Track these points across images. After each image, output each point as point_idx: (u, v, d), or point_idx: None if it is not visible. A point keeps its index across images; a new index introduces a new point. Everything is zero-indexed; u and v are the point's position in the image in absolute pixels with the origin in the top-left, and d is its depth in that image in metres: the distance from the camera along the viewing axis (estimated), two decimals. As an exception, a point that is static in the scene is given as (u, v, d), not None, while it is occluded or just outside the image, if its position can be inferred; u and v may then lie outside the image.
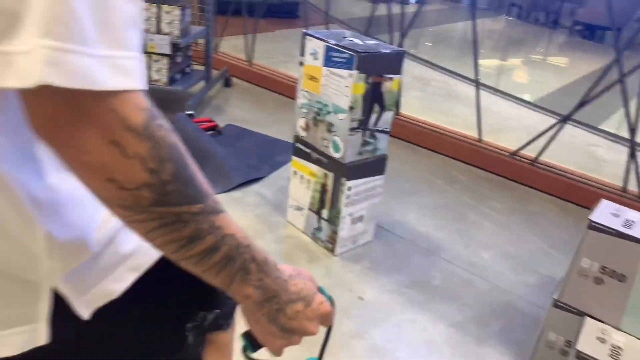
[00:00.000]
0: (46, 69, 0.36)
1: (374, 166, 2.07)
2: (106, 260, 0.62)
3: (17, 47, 0.37)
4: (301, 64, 2.03)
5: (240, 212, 2.33)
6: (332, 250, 2.12)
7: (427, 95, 4.36)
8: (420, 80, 4.77)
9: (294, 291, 0.62)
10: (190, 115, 3.07)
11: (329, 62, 1.90)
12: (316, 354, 0.75)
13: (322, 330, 0.69)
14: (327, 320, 0.68)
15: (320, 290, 0.68)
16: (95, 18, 0.38)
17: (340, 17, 5.91)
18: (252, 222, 2.28)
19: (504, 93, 4.44)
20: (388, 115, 2.01)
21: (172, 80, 3.14)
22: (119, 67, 0.41)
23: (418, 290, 1.99)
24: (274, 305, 0.60)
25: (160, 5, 2.92)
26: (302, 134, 2.12)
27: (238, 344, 0.71)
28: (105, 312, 0.62)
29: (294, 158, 2.20)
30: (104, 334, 0.64)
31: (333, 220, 2.08)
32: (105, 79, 0.39)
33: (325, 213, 2.11)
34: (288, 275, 0.62)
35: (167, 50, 2.99)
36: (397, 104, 3.41)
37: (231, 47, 4.40)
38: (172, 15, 2.94)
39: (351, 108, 1.87)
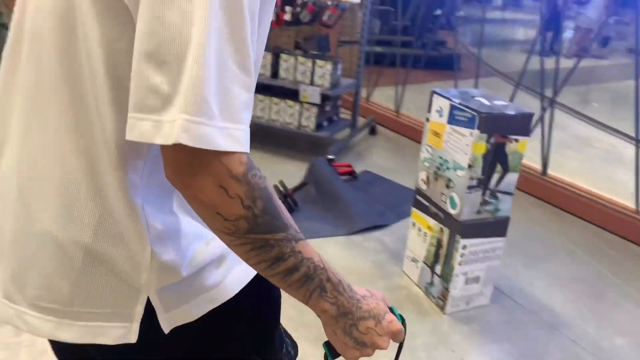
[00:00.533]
0: (181, 133, 0.53)
1: (493, 227, 2.01)
2: (191, 287, 0.75)
3: (166, 118, 0.54)
4: (427, 119, 2.09)
5: (357, 256, 2.43)
6: (442, 308, 2.09)
7: (585, 157, 4.03)
8: (580, 139, 4.43)
9: (366, 309, 0.70)
10: (331, 160, 3.29)
11: (452, 120, 1.94)
12: None
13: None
14: (397, 337, 0.74)
15: (392, 310, 0.76)
16: (219, 102, 0.55)
17: (502, 70, 5.79)
18: (368, 267, 2.36)
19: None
20: (513, 177, 1.96)
21: (318, 127, 3.41)
22: (230, 135, 0.56)
23: (530, 365, 1.86)
24: (348, 321, 0.69)
25: (315, 60, 3.23)
26: (423, 186, 2.16)
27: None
28: (180, 331, 0.75)
29: (414, 209, 2.24)
30: (173, 350, 0.78)
31: (446, 277, 2.06)
32: (219, 142, 0.55)
33: (438, 269, 2.10)
34: (361, 296, 0.71)
35: (317, 100, 3.27)
36: (544, 165, 3.24)
37: (384, 97, 4.61)
38: (324, 69, 3.23)
39: (470, 166, 1.87)
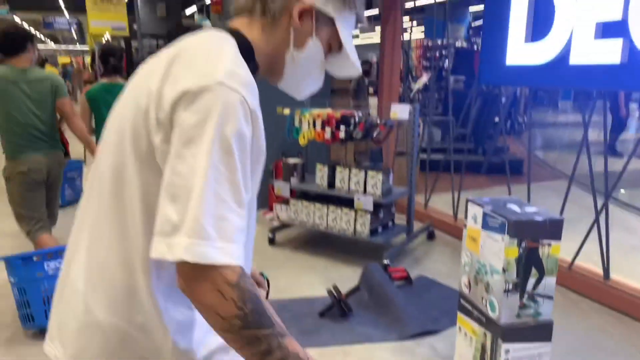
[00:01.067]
0: (184, 253, 0.74)
1: (536, 331, 2.02)
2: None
3: (174, 241, 0.76)
4: (465, 225, 2.22)
5: (408, 361, 2.46)
6: (491, 416, 2.06)
7: (658, 261, 3.84)
8: (653, 242, 4.24)
9: None
10: (386, 265, 3.41)
11: (486, 226, 2.06)
12: None
13: None
14: None
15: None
16: (216, 228, 0.76)
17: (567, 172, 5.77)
18: (418, 372, 2.38)
19: None
20: (551, 281, 2.00)
21: (373, 233, 3.59)
22: (225, 252, 0.76)
23: None
24: None
25: (367, 171, 3.50)
26: (466, 290, 2.24)
27: None
28: None
29: (459, 313, 2.29)
30: None
31: (492, 383, 2.05)
32: (216, 257, 0.75)
33: (485, 374, 2.10)
34: None
35: (369, 207, 3.49)
36: (605, 268, 3.16)
37: (443, 203, 4.74)
38: (375, 179, 3.48)
39: (504, 270, 1.95)
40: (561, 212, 3.39)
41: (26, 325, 2.66)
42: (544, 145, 10.21)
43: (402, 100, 7.38)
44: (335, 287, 2.95)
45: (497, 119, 7.41)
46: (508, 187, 3.86)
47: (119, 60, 3.48)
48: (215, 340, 0.93)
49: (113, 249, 0.87)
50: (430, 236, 4.24)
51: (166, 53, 0.87)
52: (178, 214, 0.76)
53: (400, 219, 4.13)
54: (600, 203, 3.15)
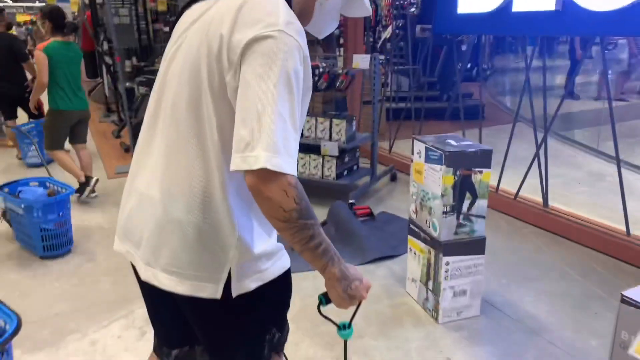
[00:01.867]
0: (266, 162, 0.95)
1: (471, 246, 2.39)
2: (251, 269, 1.16)
3: (251, 154, 0.96)
4: (412, 160, 2.55)
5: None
6: (436, 319, 2.45)
7: (595, 191, 4.28)
8: (594, 175, 4.68)
9: (354, 274, 1.13)
10: (352, 204, 3.75)
11: (428, 159, 2.39)
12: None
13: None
14: (368, 293, 1.15)
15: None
16: (284, 146, 0.97)
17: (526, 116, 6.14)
18: (377, 289, 2.75)
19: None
20: (483, 203, 2.36)
21: (339, 176, 3.91)
22: (290, 165, 0.99)
23: (507, 361, 2.17)
24: (345, 282, 1.10)
25: (332, 119, 3.78)
26: (413, 216, 2.58)
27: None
28: (239, 298, 1.14)
29: (409, 237, 2.65)
30: (234, 309, 1.17)
31: (436, 291, 2.43)
32: (286, 168, 0.97)
33: (430, 285, 2.48)
34: (350, 270, 1.13)
35: (335, 153, 3.79)
36: (545, 197, 3.56)
37: (407, 147, 5.07)
38: (340, 127, 3.77)
39: (442, 195, 2.29)
40: (507, 148, 3.74)
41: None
42: (508, 90, 10.57)
43: (373, 50, 7.56)
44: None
45: (459, 65, 7.69)
46: (462, 131, 4.18)
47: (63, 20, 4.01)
48: (265, 244, 1.16)
49: (194, 165, 1.09)
50: (393, 178, 4.59)
51: (228, 2, 1.06)
52: (252, 134, 0.96)
53: (365, 163, 4.46)
54: (540, 138, 3.50)
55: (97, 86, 8.53)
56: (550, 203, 3.59)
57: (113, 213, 3.97)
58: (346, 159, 3.99)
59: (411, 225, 2.62)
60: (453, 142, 2.38)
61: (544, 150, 3.48)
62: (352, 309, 1.21)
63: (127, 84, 5.58)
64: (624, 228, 3.11)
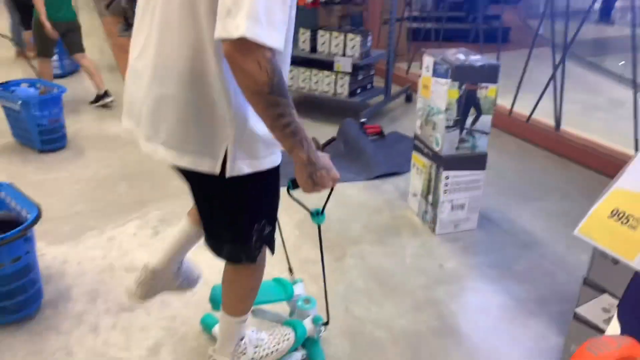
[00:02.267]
0: (246, 31, 0.96)
1: (473, 161, 2.43)
2: (246, 153, 1.22)
3: (234, 22, 0.96)
4: (419, 76, 2.54)
5: (372, 195, 2.92)
6: (433, 230, 2.55)
7: (613, 117, 4.20)
8: (615, 102, 4.57)
9: (322, 163, 1.19)
10: (363, 122, 3.78)
11: (435, 73, 2.38)
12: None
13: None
14: (335, 183, 1.23)
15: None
16: (266, 17, 0.98)
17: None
18: (379, 203, 2.85)
19: None
20: (487, 119, 2.37)
21: (352, 94, 3.90)
22: (270, 36, 0.99)
23: (496, 270, 2.28)
24: (311, 168, 1.16)
25: (347, 34, 3.72)
26: (418, 131, 2.62)
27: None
28: (233, 179, 1.22)
29: (414, 152, 2.70)
30: (224, 189, 1.27)
31: (435, 204, 2.51)
32: (263, 38, 0.98)
33: (430, 198, 2.55)
34: (320, 155, 1.19)
35: (348, 69, 3.77)
36: (557, 120, 3.52)
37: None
38: (354, 42, 3.71)
39: (447, 109, 2.31)
40: (524, 70, 3.67)
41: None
42: (542, 13, 10.04)
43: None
44: (314, 139, 3.34)
45: (488, -14, 7.32)
46: (481, 52, 4.08)
47: None
48: (263, 128, 1.17)
49: (185, 40, 1.11)
50: (408, 98, 4.56)
51: None
52: (234, 4, 0.96)
53: (380, 82, 4.42)
54: (558, 59, 3.42)
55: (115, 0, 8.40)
56: (567, 128, 3.56)
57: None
58: (360, 77, 3.97)
59: (416, 141, 2.66)
60: (461, 57, 2.36)
61: (561, 71, 3.41)
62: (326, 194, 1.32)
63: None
64: (632, 152, 3.09)
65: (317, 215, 1.41)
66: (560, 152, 3.47)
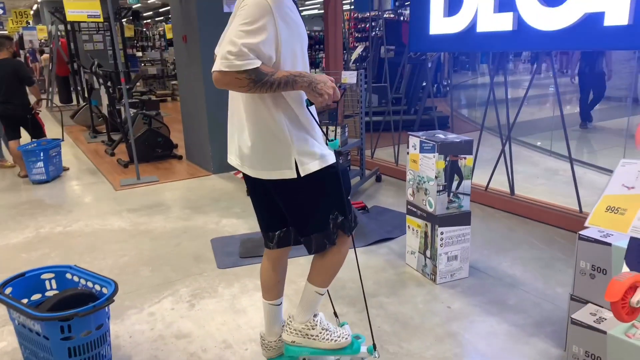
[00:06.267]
0: (216, 68, 1.57)
1: (460, 218, 2.96)
2: (310, 156, 1.75)
3: (215, 64, 1.58)
4: (407, 153, 3.12)
5: (373, 258, 3.36)
6: (434, 280, 2.99)
7: (552, 183, 4.97)
8: (550, 170, 5.39)
9: (319, 79, 1.68)
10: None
11: (422, 149, 2.96)
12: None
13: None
14: (336, 94, 1.74)
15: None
16: (235, 51, 1.54)
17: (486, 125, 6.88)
18: (380, 263, 3.28)
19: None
20: (467, 183, 2.94)
21: (335, 176, 4.44)
22: (234, 64, 1.54)
23: (494, 305, 2.73)
24: (312, 85, 1.67)
25: (328, 126, 4.33)
26: (411, 198, 3.14)
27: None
28: (308, 177, 1.75)
29: (407, 216, 3.20)
30: (303, 187, 1.77)
31: (433, 257, 2.98)
32: (229, 67, 1.55)
33: (428, 253, 3.03)
34: (315, 77, 1.68)
35: (331, 155, 4.33)
36: (511, 186, 4.20)
37: (386, 154, 5.69)
38: (335, 133, 4.32)
39: (436, 177, 2.86)
40: (477, 149, 4.38)
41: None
42: (466, 103, 11.44)
43: (345, 68, 8.17)
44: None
45: (424, 83, 8.44)
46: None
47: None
48: (313, 143, 1.78)
49: (254, 111, 1.76)
50: (378, 179, 5.17)
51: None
52: (219, 52, 1.61)
53: (354, 166, 5.02)
54: (505, 139, 4.16)
55: (81, 109, 8.80)
56: (519, 192, 4.23)
57: (131, 218, 4.37)
58: (341, 161, 4.54)
59: (409, 206, 3.18)
60: (441, 136, 2.96)
61: (509, 147, 4.14)
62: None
63: (132, 110, 5.95)
64: (577, 207, 3.76)
65: (331, 141, 1.82)
66: (517, 212, 4.11)
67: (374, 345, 2.09)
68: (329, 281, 2.00)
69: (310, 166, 1.75)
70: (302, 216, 1.86)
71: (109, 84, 6.41)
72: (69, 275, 2.39)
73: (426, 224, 3.01)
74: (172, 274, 3.23)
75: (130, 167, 5.95)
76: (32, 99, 5.73)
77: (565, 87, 9.53)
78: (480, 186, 4.45)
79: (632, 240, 1.52)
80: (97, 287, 2.27)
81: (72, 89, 12.16)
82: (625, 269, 1.44)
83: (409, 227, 3.20)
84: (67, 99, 12.39)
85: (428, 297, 2.85)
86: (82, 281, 2.34)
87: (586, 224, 1.42)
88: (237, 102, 1.80)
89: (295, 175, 1.74)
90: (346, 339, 2.05)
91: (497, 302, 2.78)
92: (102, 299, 2.06)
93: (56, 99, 12.09)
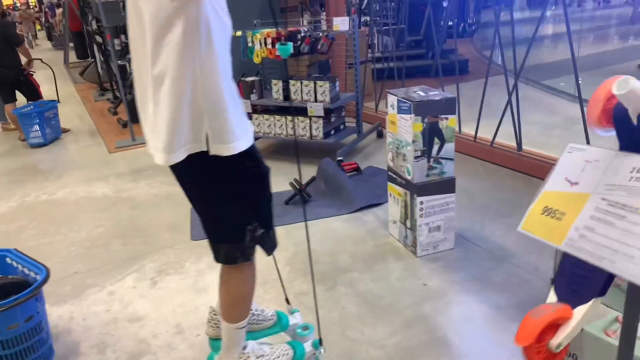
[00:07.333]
0: None
1: (443, 186, 2.65)
2: (219, 140, 1.39)
3: None
4: (386, 113, 2.78)
5: (355, 226, 3.11)
6: (414, 253, 2.74)
7: (570, 134, 4.52)
8: (569, 119, 4.91)
9: None
10: (340, 161, 4.01)
11: (399, 110, 2.63)
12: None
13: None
14: None
15: None
16: None
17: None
18: (362, 233, 3.03)
19: None
20: (450, 146, 2.61)
21: (326, 135, 4.15)
22: None
23: (477, 283, 2.46)
24: None
25: (316, 81, 3.99)
26: (391, 164, 2.84)
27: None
28: (215, 157, 1.40)
29: (389, 183, 2.91)
30: (210, 164, 1.43)
31: (413, 228, 2.71)
32: None
33: (408, 223, 2.75)
34: None
35: (321, 113, 4.02)
36: (518, 141, 3.80)
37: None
38: (323, 88, 3.99)
39: (413, 141, 2.54)
40: (482, 97, 3.97)
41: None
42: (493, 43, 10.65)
43: (359, 11, 7.64)
44: (296, 180, 3.54)
45: (441, 23, 7.82)
46: (441, 87, 4.40)
47: None
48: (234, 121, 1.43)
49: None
50: (379, 135, 4.83)
51: None
52: None
53: (351, 122, 4.69)
54: (512, 85, 3.73)
55: (89, 66, 8.66)
56: (528, 148, 3.84)
57: (117, 184, 4.24)
58: (332, 119, 4.22)
59: (389, 173, 2.88)
60: (421, 93, 2.61)
61: (516, 96, 3.71)
62: None
63: (119, 61, 5.75)
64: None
65: (283, 46, 1.58)
66: (523, 169, 3.73)
67: (320, 340, 1.87)
68: (246, 313, 1.69)
69: (220, 149, 1.43)
70: (211, 218, 1.57)
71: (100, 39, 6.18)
72: (8, 260, 2.26)
73: (405, 193, 2.72)
74: (143, 246, 3.09)
75: (128, 127, 5.80)
76: (24, 60, 5.58)
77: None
78: (486, 141, 4.07)
79: (566, 258, 1.22)
80: (32, 274, 2.13)
81: (87, 44, 12.01)
82: (552, 298, 1.14)
83: (390, 195, 2.92)
84: (83, 54, 12.27)
85: (405, 272, 2.61)
86: (19, 267, 2.20)
87: (519, 229, 1.13)
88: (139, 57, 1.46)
89: (205, 148, 1.42)
90: (287, 354, 1.82)
91: (480, 278, 2.51)
92: (24, 292, 1.91)
93: (73, 56, 12.00)
